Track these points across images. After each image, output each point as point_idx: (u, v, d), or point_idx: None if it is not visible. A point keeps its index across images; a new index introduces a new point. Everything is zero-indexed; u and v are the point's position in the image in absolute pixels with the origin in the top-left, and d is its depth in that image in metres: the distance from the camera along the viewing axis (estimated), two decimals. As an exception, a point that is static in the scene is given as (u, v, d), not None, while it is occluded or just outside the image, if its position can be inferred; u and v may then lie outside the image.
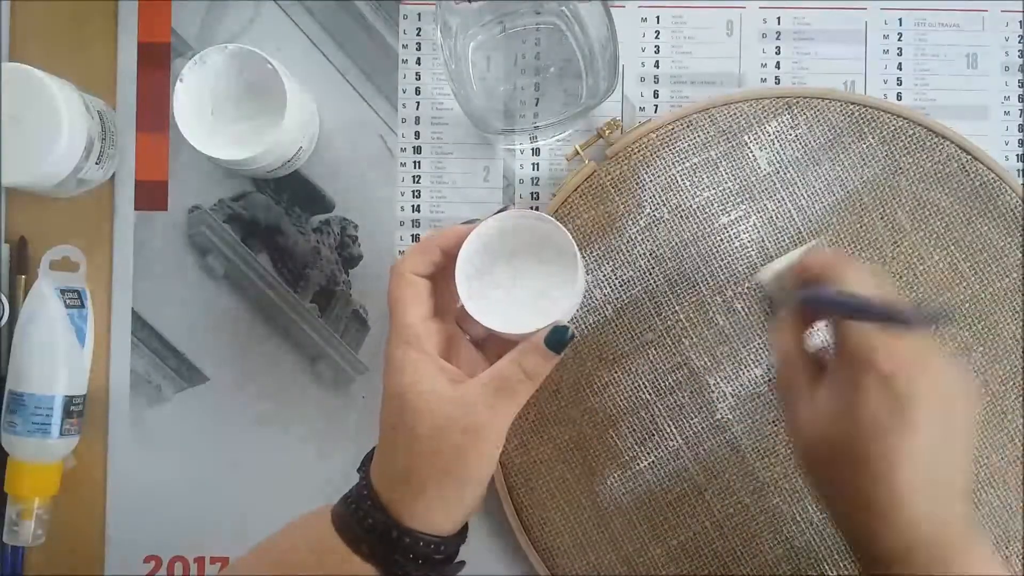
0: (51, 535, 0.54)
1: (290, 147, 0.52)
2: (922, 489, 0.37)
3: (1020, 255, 0.53)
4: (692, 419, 0.53)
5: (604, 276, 0.53)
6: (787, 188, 0.53)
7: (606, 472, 0.53)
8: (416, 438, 0.40)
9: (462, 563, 0.44)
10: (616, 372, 0.53)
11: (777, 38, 0.57)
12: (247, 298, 0.56)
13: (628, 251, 0.53)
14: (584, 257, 0.53)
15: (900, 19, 0.56)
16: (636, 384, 0.53)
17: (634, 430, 0.53)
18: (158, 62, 0.56)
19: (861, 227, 0.53)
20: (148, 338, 0.56)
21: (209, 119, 0.51)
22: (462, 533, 0.43)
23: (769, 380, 0.53)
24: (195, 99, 0.50)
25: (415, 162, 0.57)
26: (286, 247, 0.56)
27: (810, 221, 0.53)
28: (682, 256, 0.53)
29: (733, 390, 0.53)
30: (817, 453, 0.39)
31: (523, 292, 0.45)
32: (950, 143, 0.53)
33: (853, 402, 0.37)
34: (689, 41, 0.57)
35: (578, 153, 0.53)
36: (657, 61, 0.57)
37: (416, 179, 0.57)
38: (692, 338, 0.53)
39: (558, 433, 0.53)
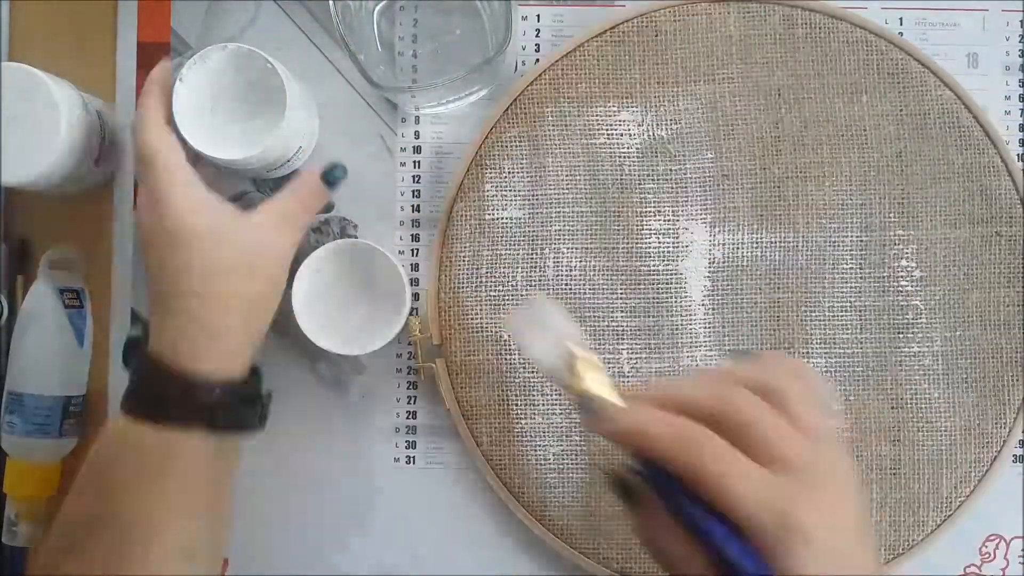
0: (50, 536, 0.54)
1: (290, 146, 0.52)
2: None
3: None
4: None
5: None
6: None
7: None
8: (210, 269, 0.41)
9: (269, 394, 0.46)
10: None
11: (777, 38, 0.57)
12: (247, 298, 0.56)
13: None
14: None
15: (901, 18, 0.56)
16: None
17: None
18: (157, 62, 0.56)
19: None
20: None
21: (209, 118, 0.51)
22: (256, 373, 0.45)
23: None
24: (195, 98, 0.50)
25: (415, 162, 0.57)
26: (286, 247, 0.56)
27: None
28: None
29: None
30: None
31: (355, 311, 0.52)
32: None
33: None
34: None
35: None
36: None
37: (416, 179, 0.57)
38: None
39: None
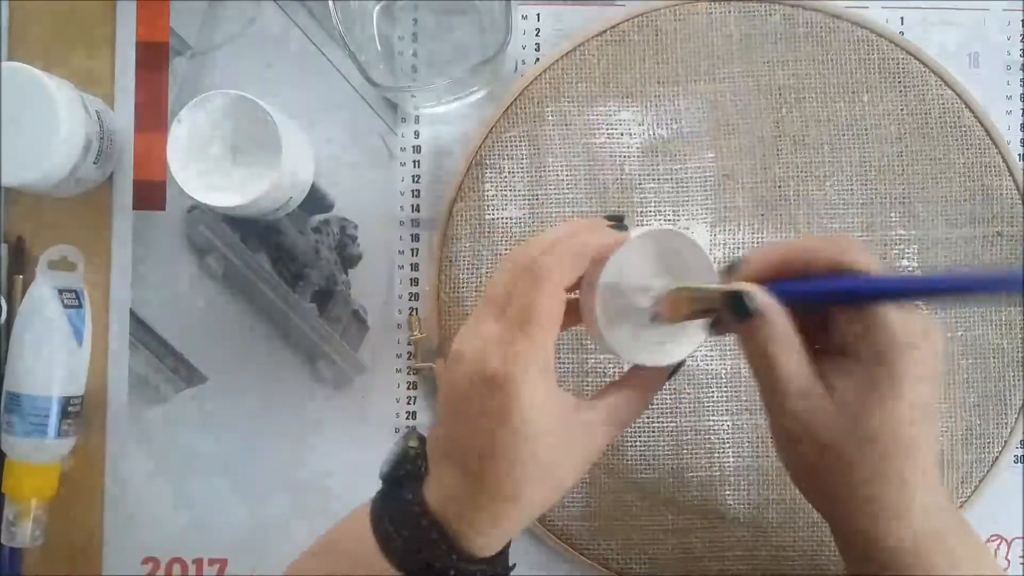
0: (49, 536, 0.54)
1: (280, 198, 0.52)
2: (930, 474, 0.37)
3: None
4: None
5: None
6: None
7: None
8: (524, 465, 0.37)
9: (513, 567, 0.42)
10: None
11: (778, 37, 0.57)
12: (246, 298, 0.56)
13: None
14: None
15: (902, 18, 0.56)
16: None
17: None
18: (157, 62, 0.56)
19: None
20: (146, 338, 0.56)
21: (203, 164, 0.50)
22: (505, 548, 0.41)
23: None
24: (191, 142, 0.49)
25: (415, 162, 0.57)
26: (285, 247, 0.56)
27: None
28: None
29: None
30: (832, 455, 0.37)
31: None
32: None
33: (893, 392, 0.35)
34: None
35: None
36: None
37: (416, 179, 0.57)
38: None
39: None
